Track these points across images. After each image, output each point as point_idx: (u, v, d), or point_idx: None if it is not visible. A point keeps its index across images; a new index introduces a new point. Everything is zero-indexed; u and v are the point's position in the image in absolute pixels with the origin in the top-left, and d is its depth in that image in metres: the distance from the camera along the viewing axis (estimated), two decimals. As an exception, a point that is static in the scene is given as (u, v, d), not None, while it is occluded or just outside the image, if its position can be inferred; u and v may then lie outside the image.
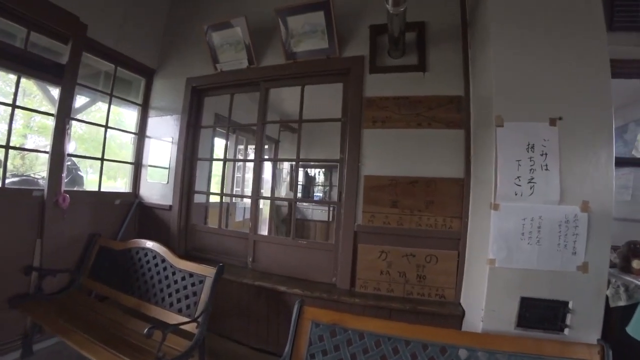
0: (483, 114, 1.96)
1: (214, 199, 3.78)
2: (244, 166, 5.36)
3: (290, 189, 5.97)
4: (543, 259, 1.64)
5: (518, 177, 1.64)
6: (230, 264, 2.86)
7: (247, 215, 4.66)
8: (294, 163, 6.19)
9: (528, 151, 1.65)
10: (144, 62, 3.37)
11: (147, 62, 3.40)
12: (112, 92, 3.13)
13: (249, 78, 2.87)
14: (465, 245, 2.19)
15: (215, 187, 3.89)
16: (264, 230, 5.03)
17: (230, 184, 4.98)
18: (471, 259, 2.10)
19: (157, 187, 3.31)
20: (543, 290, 1.66)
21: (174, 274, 2.42)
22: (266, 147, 4.91)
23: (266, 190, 5.49)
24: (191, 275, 2.32)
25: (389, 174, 2.33)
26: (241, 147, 5.21)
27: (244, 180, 5.40)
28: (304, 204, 6.10)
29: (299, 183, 6.14)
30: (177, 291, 2.33)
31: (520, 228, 1.65)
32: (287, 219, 5.29)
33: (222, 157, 3.32)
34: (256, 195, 2.87)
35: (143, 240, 2.70)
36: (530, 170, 1.64)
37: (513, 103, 1.70)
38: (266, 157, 4.74)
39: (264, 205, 5.17)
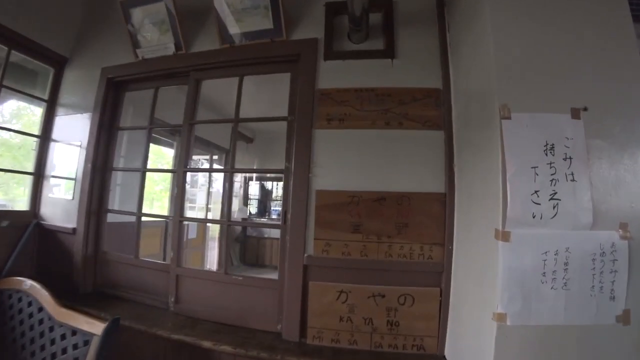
0: (473, 109, 1.39)
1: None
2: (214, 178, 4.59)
3: (245, 204, 5.20)
4: (572, 310, 1.06)
5: (536, 192, 1.05)
6: (149, 306, 2.08)
7: (192, 235, 3.89)
8: (246, 175, 5.65)
9: (547, 154, 1.07)
10: (52, 48, 2.56)
11: (58, 48, 2.59)
12: (2, 82, 2.31)
13: (176, 67, 2.17)
14: (449, 279, 1.59)
15: (150, 203, 3.10)
16: (213, 250, 4.22)
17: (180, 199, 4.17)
18: (460, 300, 1.49)
19: (61, 204, 2.47)
20: (571, 354, 1.07)
21: (51, 329, 1.59)
22: (216, 157, 4.17)
23: (216, 205, 4.77)
24: (74, 333, 1.52)
25: (348, 188, 1.70)
26: (203, 158, 4.44)
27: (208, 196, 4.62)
28: (258, 220, 5.28)
29: (250, 197, 5.37)
30: (54, 357, 1.52)
31: (541, 266, 1.05)
32: (242, 237, 4.53)
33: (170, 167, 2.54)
34: (179, 214, 2.11)
35: (19, 279, 1.84)
36: (552, 181, 1.06)
37: (522, 87, 1.14)
38: (193, 167, 3.90)
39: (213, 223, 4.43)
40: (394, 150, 1.68)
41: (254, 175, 5.41)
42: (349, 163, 1.71)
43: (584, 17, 1.20)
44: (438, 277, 1.62)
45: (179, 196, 2.10)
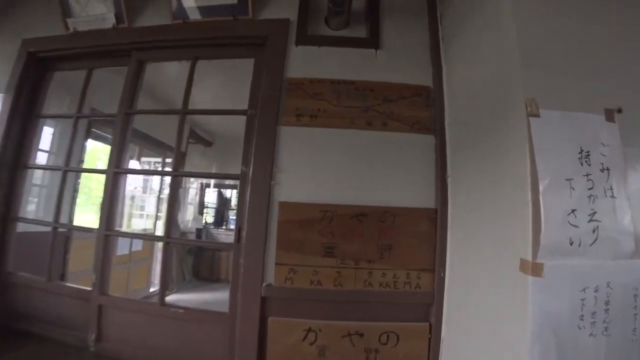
0: (480, 106, 1.12)
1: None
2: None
3: (200, 213, 4.65)
4: (613, 360, 0.79)
5: (573, 212, 0.78)
6: (64, 345, 1.58)
7: (138, 247, 3.31)
8: (204, 181, 5.07)
9: (582, 163, 0.81)
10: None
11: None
12: None
13: (115, 44, 1.72)
14: (441, 312, 1.29)
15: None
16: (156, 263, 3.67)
17: (106, 207, 3.55)
18: (458, 340, 1.19)
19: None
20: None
21: None
22: (169, 160, 3.66)
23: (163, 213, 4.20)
24: None
25: (320, 201, 1.36)
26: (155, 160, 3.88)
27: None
28: (216, 231, 4.71)
29: (207, 205, 4.79)
30: None
31: (579, 308, 0.77)
32: (196, 248, 3.96)
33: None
34: (105, 226, 1.63)
35: None
36: (590, 197, 0.80)
37: (550, 79, 0.87)
38: (129, 167, 3.37)
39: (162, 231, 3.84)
40: (376, 156, 1.38)
41: (212, 181, 4.88)
42: (322, 169, 1.37)
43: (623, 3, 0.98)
44: (427, 309, 1.32)
45: (105, 203, 1.63)
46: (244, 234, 1.39)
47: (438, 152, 1.37)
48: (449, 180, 1.34)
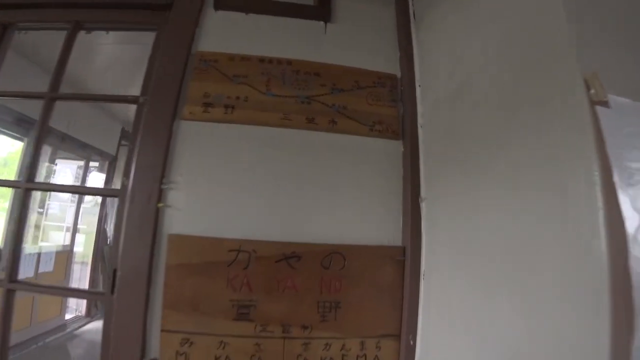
0: (474, 98, 0.72)
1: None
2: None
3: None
4: None
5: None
6: None
7: (47, 268, 2.62)
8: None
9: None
10: None
11: None
12: None
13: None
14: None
15: None
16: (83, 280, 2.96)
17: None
18: None
19: None
20: None
21: None
22: (96, 164, 3.02)
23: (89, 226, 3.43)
24: None
25: (232, 235, 0.88)
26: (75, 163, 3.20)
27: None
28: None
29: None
30: None
31: None
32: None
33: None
34: None
35: None
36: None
37: (608, 53, 0.48)
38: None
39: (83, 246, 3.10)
40: (319, 168, 0.94)
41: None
42: (237, 186, 0.91)
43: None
44: (388, 397, 0.88)
45: None
46: (116, 283, 0.89)
47: (408, 164, 0.95)
48: (422, 204, 0.92)
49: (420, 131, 0.97)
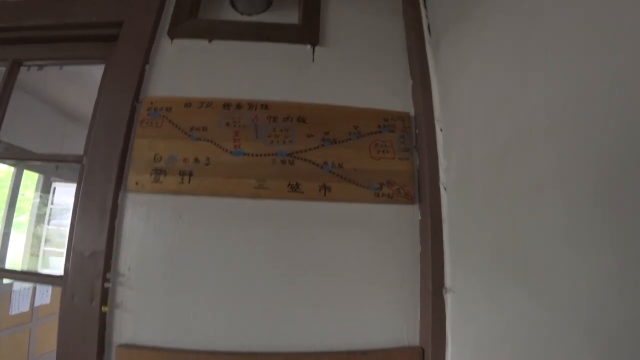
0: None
1: None
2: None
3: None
4: None
5: None
6: None
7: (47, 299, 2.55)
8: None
9: None
10: None
11: None
12: None
13: None
14: None
15: None
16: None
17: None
18: None
19: None
20: None
21: None
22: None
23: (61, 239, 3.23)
24: None
25: (198, 345, 0.64)
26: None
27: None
28: None
29: None
30: None
31: None
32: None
33: None
34: None
35: None
36: None
37: None
38: None
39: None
40: (309, 253, 0.69)
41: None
42: (204, 279, 0.67)
43: None
44: None
45: None
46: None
47: (427, 238, 0.68)
48: (447, 296, 0.66)
49: (443, 193, 0.70)
